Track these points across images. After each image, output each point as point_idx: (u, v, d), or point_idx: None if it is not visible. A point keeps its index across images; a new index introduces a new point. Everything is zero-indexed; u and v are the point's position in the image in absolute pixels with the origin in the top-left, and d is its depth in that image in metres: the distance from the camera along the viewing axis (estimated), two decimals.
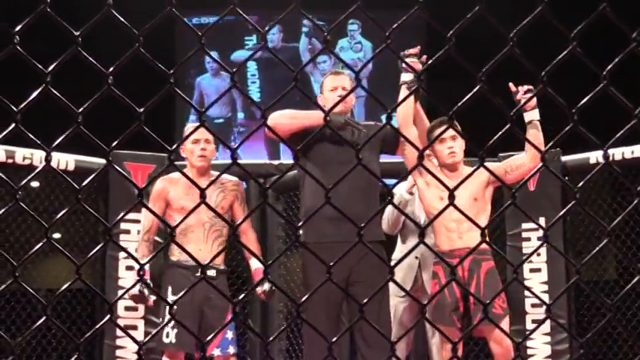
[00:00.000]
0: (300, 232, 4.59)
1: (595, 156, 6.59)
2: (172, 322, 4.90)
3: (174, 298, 4.92)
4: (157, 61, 1.70)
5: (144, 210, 6.42)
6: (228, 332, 5.12)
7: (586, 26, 1.70)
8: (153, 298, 5.02)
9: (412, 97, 4.67)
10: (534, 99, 4.65)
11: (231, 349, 5.10)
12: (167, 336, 4.98)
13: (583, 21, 1.72)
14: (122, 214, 5.09)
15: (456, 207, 1.71)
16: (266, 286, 5.07)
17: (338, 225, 4.33)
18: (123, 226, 6.47)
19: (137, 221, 6.44)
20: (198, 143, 5.24)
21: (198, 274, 5.00)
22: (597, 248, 1.69)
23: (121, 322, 6.36)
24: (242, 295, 5.14)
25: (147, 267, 5.02)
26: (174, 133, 11.84)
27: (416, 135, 4.81)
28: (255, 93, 13.33)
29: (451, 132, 4.98)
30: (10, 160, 6.16)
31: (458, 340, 1.69)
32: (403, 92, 4.69)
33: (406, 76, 4.67)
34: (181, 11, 1.71)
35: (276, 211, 1.94)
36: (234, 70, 1.61)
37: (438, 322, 4.87)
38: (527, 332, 6.46)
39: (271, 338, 1.49)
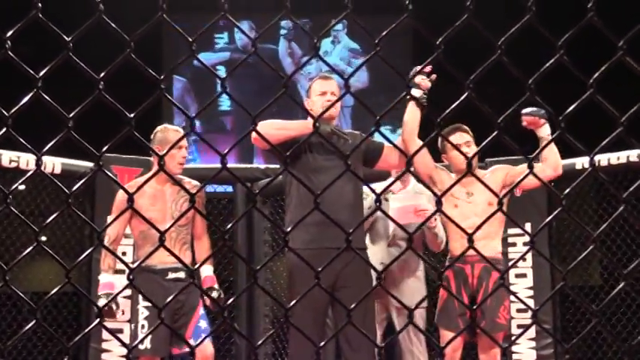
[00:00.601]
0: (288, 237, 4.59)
1: (581, 162, 6.63)
2: (146, 329, 4.92)
3: (146, 303, 4.92)
4: (142, 64, 1.71)
5: (109, 218, 6.43)
6: (201, 322, 5.06)
7: (573, 35, 1.72)
8: (120, 312, 5.01)
9: (419, 113, 4.71)
10: (543, 115, 4.82)
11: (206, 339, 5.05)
12: (142, 342, 4.93)
13: (573, 28, 1.74)
14: (113, 217, 5.01)
15: (444, 213, 1.72)
16: (214, 294, 5.08)
17: (324, 231, 4.32)
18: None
19: None
20: (181, 149, 5.13)
21: (168, 277, 5.02)
22: (583, 254, 1.71)
23: (106, 325, 6.34)
24: (230, 300, 5.13)
25: (114, 280, 5.06)
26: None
27: (424, 150, 4.88)
28: (225, 101, 13.31)
29: (465, 138, 5.07)
30: None
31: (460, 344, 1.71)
32: (411, 107, 4.72)
33: (416, 92, 4.68)
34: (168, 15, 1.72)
35: (265, 216, 1.95)
36: (224, 76, 1.62)
37: (445, 327, 4.93)
38: (514, 337, 6.48)
39: (260, 342, 1.49)
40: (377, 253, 5.42)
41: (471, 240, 1.65)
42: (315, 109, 4.76)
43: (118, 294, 1.81)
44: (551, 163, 4.95)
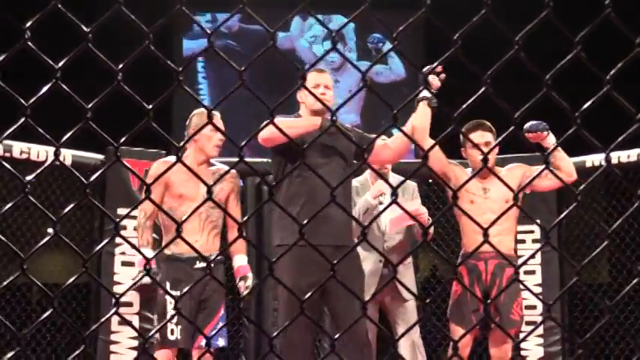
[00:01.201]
0: (278, 234, 4.60)
1: (591, 159, 6.63)
2: (176, 319, 4.75)
3: (174, 293, 4.78)
4: (162, 56, 1.72)
5: (119, 210, 6.42)
6: (220, 323, 4.96)
7: (590, 31, 1.72)
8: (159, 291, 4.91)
9: (429, 113, 4.72)
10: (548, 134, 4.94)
11: (221, 341, 4.99)
12: (172, 333, 4.73)
13: (588, 23, 1.74)
14: (129, 210, 4.95)
15: (460, 208, 1.73)
16: (249, 282, 4.97)
17: (316, 228, 4.27)
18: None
19: (134, 217, 6.45)
20: (217, 132, 4.99)
21: (197, 266, 4.91)
22: (597, 251, 1.71)
23: (115, 317, 6.37)
24: (245, 292, 5.07)
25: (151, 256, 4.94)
26: (170, 131, 11.85)
27: (436, 148, 4.90)
28: (204, 90, 13.25)
29: (486, 137, 5.09)
30: (7, 154, 6.16)
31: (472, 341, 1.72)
32: (422, 107, 4.73)
33: (426, 92, 4.68)
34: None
35: (281, 207, 1.95)
36: (243, 68, 1.63)
37: (457, 322, 4.94)
38: (524, 334, 6.49)
39: (275, 334, 1.49)
40: (373, 250, 5.42)
41: (486, 235, 1.65)
42: (308, 102, 4.72)
43: (137, 281, 1.81)
44: (565, 170, 5.01)
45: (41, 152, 6.25)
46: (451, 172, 5.04)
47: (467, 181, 1.89)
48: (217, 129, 1.74)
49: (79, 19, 1.66)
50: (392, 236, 5.51)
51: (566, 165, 5.03)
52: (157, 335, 4.70)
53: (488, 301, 4.91)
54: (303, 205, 4.49)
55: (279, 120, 4.53)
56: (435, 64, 4.65)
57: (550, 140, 5.01)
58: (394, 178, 5.56)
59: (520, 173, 5.11)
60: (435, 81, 4.66)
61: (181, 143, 1.61)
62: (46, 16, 1.62)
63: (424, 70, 4.69)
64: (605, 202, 6.95)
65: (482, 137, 5.11)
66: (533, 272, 6.79)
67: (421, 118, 4.71)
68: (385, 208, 2.41)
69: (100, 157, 6.64)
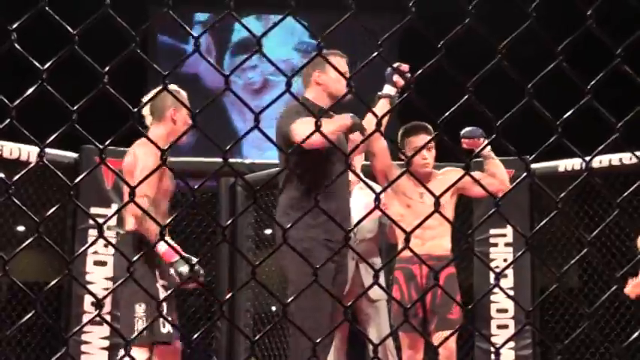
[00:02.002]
0: (292, 229, 4.33)
1: (564, 164, 6.70)
2: (165, 311, 4.42)
3: (163, 282, 4.47)
4: (148, 60, 1.72)
5: (93, 209, 6.38)
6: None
7: (572, 42, 1.74)
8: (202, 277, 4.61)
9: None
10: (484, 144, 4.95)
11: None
12: (164, 326, 4.33)
13: (573, 29, 1.77)
14: (115, 211, 4.80)
15: (387, 216, 1.75)
16: (181, 267, 4.20)
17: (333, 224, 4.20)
18: (92, 221, 6.46)
19: (105, 216, 6.43)
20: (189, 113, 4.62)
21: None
22: (578, 257, 1.74)
23: (87, 317, 6.34)
24: (229, 296, 4.99)
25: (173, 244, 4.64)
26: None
27: (385, 146, 4.87)
28: None
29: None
30: None
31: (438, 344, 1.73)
32: (383, 104, 4.66)
33: (390, 90, 4.66)
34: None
35: (266, 213, 1.97)
36: (228, 73, 1.64)
37: (401, 329, 4.95)
38: (503, 341, 6.56)
39: (257, 337, 1.49)
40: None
41: (422, 239, 1.67)
42: (330, 85, 4.47)
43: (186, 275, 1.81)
44: (499, 177, 5.02)
45: (14, 150, 6.22)
46: (392, 175, 4.97)
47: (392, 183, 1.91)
48: (193, 127, 1.75)
49: (60, 16, 1.66)
50: (364, 235, 5.51)
51: (501, 173, 5.05)
52: (138, 329, 4.30)
53: (423, 305, 4.93)
54: (332, 201, 4.37)
55: (327, 121, 4.29)
56: (398, 63, 4.65)
57: (486, 149, 5.02)
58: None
59: (455, 177, 5.10)
60: (399, 81, 4.65)
61: (166, 146, 1.61)
62: (32, 18, 1.62)
63: (389, 69, 4.67)
64: (577, 207, 7.01)
65: (421, 142, 5.02)
66: (505, 276, 6.84)
67: (380, 113, 4.59)
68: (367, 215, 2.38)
69: (74, 155, 6.62)
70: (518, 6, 1.77)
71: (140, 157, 4.43)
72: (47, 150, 5.84)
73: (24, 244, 1.62)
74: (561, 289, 7.31)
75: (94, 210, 6.42)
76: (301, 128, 4.14)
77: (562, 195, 1.75)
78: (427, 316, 4.92)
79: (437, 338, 4.96)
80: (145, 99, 4.50)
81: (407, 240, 1.71)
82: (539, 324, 6.94)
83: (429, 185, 4.99)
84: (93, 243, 1.80)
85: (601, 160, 6.58)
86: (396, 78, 4.65)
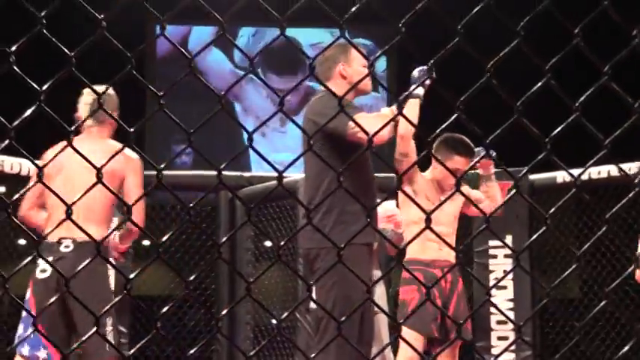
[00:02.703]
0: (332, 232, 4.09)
1: (562, 175, 6.73)
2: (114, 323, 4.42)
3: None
4: (145, 82, 1.76)
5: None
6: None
7: (560, 59, 1.78)
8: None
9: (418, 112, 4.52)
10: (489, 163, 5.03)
11: (42, 353, 4.28)
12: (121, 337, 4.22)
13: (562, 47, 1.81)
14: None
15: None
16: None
17: (371, 224, 4.16)
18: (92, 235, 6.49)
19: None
20: None
21: None
22: (567, 272, 1.78)
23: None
24: (224, 311, 5.02)
25: None
26: (144, 145, 11.88)
27: (415, 148, 4.75)
28: None
29: (466, 165, 5.04)
30: None
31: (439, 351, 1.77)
32: (413, 105, 4.45)
33: (420, 91, 4.52)
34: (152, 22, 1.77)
35: (256, 228, 2.00)
36: (223, 92, 1.68)
37: (415, 328, 4.93)
38: (498, 351, 6.59)
39: (253, 352, 1.51)
40: None
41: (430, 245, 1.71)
42: (355, 79, 4.26)
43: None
44: (495, 200, 5.12)
45: (15, 165, 6.26)
46: (416, 177, 4.99)
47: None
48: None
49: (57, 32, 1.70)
50: None
51: (496, 194, 5.15)
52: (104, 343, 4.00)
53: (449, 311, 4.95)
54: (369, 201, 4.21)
55: (375, 117, 4.24)
56: (429, 65, 4.52)
57: (492, 169, 5.13)
58: None
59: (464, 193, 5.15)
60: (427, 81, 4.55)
61: (162, 165, 1.65)
62: (31, 39, 1.66)
63: (419, 69, 4.51)
64: (575, 218, 7.05)
65: (464, 165, 5.02)
66: (505, 287, 6.86)
67: (413, 114, 4.42)
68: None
69: None
70: (507, 24, 1.81)
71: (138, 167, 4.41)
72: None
73: (24, 262, 1.65)
74: (559, 301, 7.38)
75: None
76: (366, 123, 3.71)
77: (551, 211, 1.78)
78: (446, 323, 4.93)
79: (452, 349, 5.01)
80: (85, 101, 4.43)
81: (428, 220, 1.71)
82: (540, 335, 6.96)
83: (446, 196, 5.05)
84: (93, 259, 1.82)
85: (600, 171, 6.62)
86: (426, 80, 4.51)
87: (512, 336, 6.77)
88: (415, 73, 4.56)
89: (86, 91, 4.47)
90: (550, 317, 7.03)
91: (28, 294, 4.24)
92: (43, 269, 4.06)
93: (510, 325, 6.76)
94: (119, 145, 4.48)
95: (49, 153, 4.30)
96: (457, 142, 5.03)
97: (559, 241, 6.97)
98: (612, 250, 6.85)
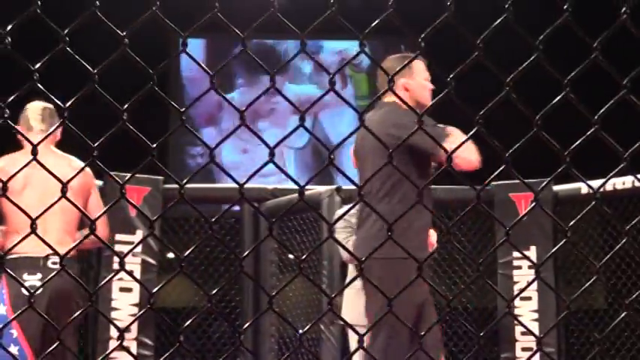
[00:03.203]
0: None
1: (586, 186, 6.68)
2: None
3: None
4: (166, 97, 1.79)
5: (118, 236, 6.42)
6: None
7: (579, 73, 1.79)
8: None
9: None
10: None
11: None
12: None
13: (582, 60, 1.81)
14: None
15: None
16: None
17: (426, 239, 4.12)
18: (117, 247, 6.52)
19: (131, 243, 6.51)
20: None
21: None
22: (587, 284, 1.78)
23: (112, 343, 6.41)
24: (247, 324, 5.06)
25: None
26: (167, 159, 11.96)
27: None
28: None
29: None
30: None
31: None
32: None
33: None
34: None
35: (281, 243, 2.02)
36: (244, 108, 1.70)
37: None
38: None
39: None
40: None
41: None
42: (418, 93, 4.26)
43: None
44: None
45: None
46: None
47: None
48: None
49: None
50: None
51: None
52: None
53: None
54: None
55: (460, 134, 3.98)
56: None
57: None
58: None
59: None
60: None
61: (184, 181, 1.67)
62: (54, 54, 1.69)
63: None
64: (600, 229, 7.01)
65: None
66: (529, 298, 6.83)
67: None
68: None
69: (99, 182, 6.70)
70: (526, 38, 1.82)
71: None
72: None
73: (47, 279, 1.67)
74: (578, 309, 7.33)
75: (118, 237, 6.49)
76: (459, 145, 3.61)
77: (571, 223, 1.79)
78: None
79: None
80: (35, 113, 4.56)
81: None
82: (565, 347, 6.92)
83: None
84: (114, 275, 1.85)
85: (624, 182, 6.58)
86: None
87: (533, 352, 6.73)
88: None
89: (33, 104, 4.59)
90: (575, 328, 7.00)
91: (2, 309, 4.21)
92: (32, 286, 4.03)
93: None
94: (74, 158, 4.61)
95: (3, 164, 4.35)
96: None
97: (584, 251, 6.94)
98: (637, 259, 6.81)
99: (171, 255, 7.63)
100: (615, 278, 6.89)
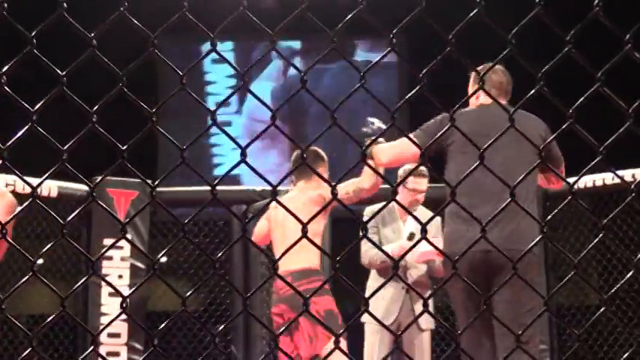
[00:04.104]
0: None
1: (584, 181, 6.65)
2: None
3: None
4: (135, 98, 1.77)
5: (106, 241, 6.39)
6: None
7: (551, 67, 1.78)
8: None
9: None
10: None
11: None
12: None
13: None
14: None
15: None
16: None
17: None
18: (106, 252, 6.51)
19: (120, 247, 6.49)
20: None
21: None
22: (563, 282, 1.77)
23: (103, 348, 6.39)
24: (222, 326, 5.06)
25: None
26: (157, 161, 11.91)
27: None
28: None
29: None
30: None
31: None
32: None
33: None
34: (166, 38, 1.78)
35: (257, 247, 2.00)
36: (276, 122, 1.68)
37: None
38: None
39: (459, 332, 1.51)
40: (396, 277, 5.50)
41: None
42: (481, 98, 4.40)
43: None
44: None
45: (27, 186, 6.29)
46: None
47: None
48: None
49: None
50: (415, 265, 5.55)
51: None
52: None
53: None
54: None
55: None
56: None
57: None
58: (423, 213, 5.50)
59: None
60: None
61: (156, 182, 1.65)
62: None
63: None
64: (590, 224, 7.00)
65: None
66: None
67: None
68: (416, 243, 2.36)
69: (86, 187, 6.69)
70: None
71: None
72: (60, 183, 5.88)
73: (18, 284, 1.65)
74: (570, 304, 7.33)
75: (107, 241, 6.47)
76: None
77: (548, 218, 1.77)
78: None
79: None
80: None
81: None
82: (557, 344, 6.91)
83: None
84: (85, 280, 1.83)
85: (613, 177, 6.56)
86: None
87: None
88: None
89: None
90: (567, 325, 6.99)
91: None
92: None
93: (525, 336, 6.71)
94: None
95: None
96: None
97: (574, 247, 6.93)
98: (629, 255, 6.81)
99: (164, 259, 7.61)
100: (607, 273, 6.89)
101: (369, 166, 1.93)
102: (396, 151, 4.33)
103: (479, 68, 4.05)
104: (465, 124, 4.01)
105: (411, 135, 4.00)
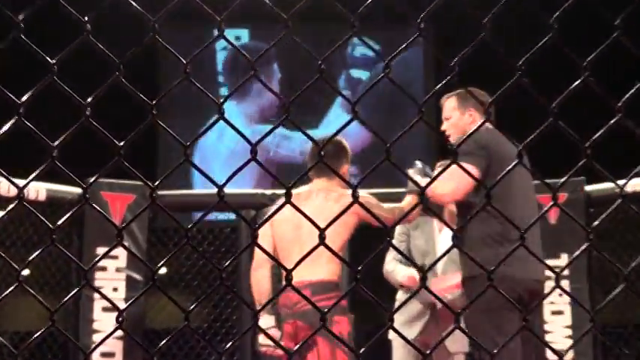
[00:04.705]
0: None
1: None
2: None
3: None
4: (133, 89, 1.76)
5: (99, 250, 6.39)
6: None
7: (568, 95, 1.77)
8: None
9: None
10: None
11: None
12: None
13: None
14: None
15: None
16: None
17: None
18: (99, 262, 6.51)
19: (115, 257, 6.50)
20: None
21: None
22: (613, 294, 1.75)
23: None
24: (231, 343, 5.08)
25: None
26: (156, 163, 11.92)
27: None
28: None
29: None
30: None
31: None
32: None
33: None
34: (166, 28, 1.78)
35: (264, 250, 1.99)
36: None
37: None
38: None
39: None
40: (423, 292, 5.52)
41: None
42: (468, 128, 4.74)
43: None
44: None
45: (11, 187, 6.29)
46: None
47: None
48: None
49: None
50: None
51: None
52: None
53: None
54: None
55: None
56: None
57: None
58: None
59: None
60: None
61: (156, 183, 1.65)
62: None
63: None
64: (638, 232, 6.95)
65: None
66: (561, 312, 6.78)
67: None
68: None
69: (78, 190, 6.69)
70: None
71: None
72: (49, 186, 5.92)
73: (2, 296, 1.65)
74: (623, 327, 7.28)
75: (100, 250, 6.46)
76: None
77: (595, 224, 1.76)
78: None
79: None
80: None
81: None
82: None
83: None
84: (77, 291, 1.83)
85: None
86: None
87: None
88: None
89: None
90: (614, 344, 6.95)
91: None
92: None
93: (569, 355, 6.68)
94: None
95: None
96: None
97: (621, 259, 6.89)
98: None
99: (164, 269, 7.62)
100: None
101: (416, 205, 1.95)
102: (454, 187, 4.44)
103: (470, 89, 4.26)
104: (504, 146, 4.27)
105: (466, 165, 4.03)
